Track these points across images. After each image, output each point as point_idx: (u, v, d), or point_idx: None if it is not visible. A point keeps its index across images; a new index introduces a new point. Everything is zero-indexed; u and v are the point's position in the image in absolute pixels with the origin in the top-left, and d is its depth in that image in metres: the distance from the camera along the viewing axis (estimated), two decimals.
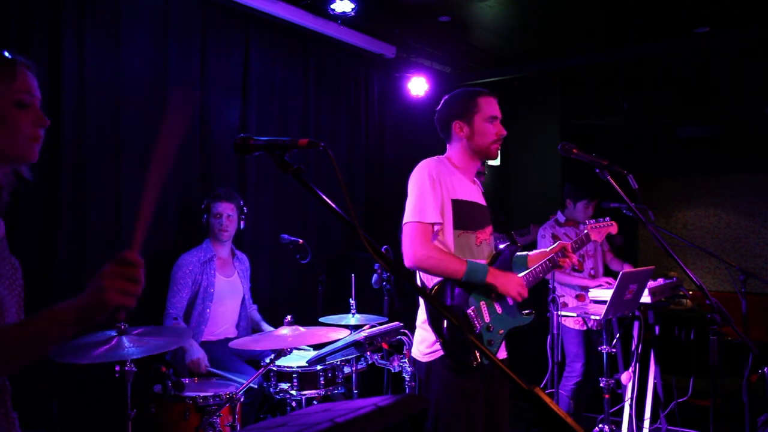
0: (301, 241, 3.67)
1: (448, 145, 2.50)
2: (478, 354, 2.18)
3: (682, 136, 7.49)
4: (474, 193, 2.43)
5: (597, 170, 2.31)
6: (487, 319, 2.28)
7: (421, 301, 2.36)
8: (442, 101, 2.50)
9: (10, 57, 1.34)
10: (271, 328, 3.63)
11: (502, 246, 2.46)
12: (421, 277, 2.36)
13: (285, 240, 3.72)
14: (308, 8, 4.28)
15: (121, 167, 3.43)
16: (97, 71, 3.32)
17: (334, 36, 4.58)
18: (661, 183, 7.97)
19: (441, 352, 2.21)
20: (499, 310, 2.32)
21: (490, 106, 2.40)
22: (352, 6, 4.18)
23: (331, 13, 4.25)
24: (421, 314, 2.35)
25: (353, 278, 3.49)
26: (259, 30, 4.27)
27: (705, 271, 7.46)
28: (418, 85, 5.20)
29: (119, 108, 3.43)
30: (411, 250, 2.24)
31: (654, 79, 6.19)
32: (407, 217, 2.30)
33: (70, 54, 3.21)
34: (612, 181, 2.26)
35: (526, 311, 2.39)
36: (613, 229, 2.90)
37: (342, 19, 4.36)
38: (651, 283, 3.56)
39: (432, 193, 2.28)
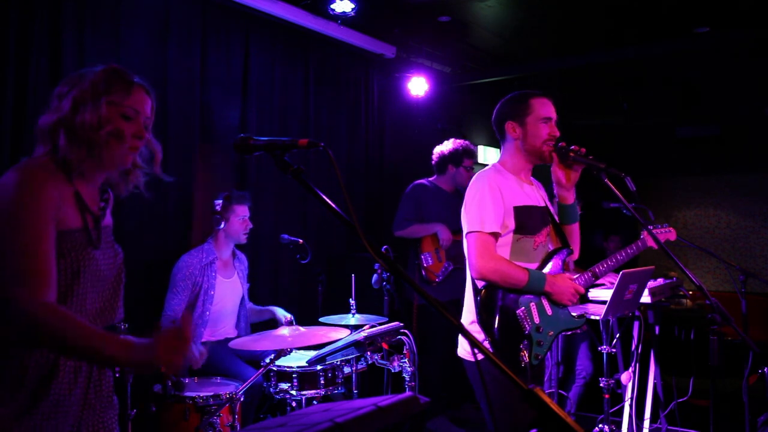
0: (301, 241, 3.67)
1: (502, 147, 2.51)
2: (526, 354, 2.23)
3: (681, 136, 7.50)
4: (532, 196, 2.45)
5: (594, 172, 2.31)
6: (537, 320, 2.31)
7: (468, 302, 2.41)
8: (498, 103, 2.52)
9: (131, 78, 1.61)
10: (276, 308, 3.63)
11: (552, 248, 2.48)
12: (472, 277, 2.40)
13: (285, 240, 3.72)
14: (308, 8, 4.28)
15: None
16: None
17: (334, 36, 4.58)
18: (661, 183, 7.97)
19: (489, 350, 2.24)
20: (549, 311, 2.35)
21: (543, 108, 2.40)
22: (352, 6, 4.18)
23: (331, 13, 4.25)
24: (468, 315, 2.39)
25: (353, 278, 3.49)
26: (259, 30, 4.27)
27: (705, 271, 7.46)
28: (418, 85, 5.20)
29: None
30: (476, 262, 2.28)
31: (654, 79, 6.19)
32: (468, 227, 2.34)
33: (70, 54, 3.21)
34: (609, 184, 2.26)
35: (578, 314, 2.41)
36: (672, 235, 2.93)
37: (342, 19, 4.35)
38: (651, 283, 3.56)
39: (492, 202, 2.31)
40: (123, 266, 1.69)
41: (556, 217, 2.54)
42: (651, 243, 2.78)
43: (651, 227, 2.91)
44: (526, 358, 2.24)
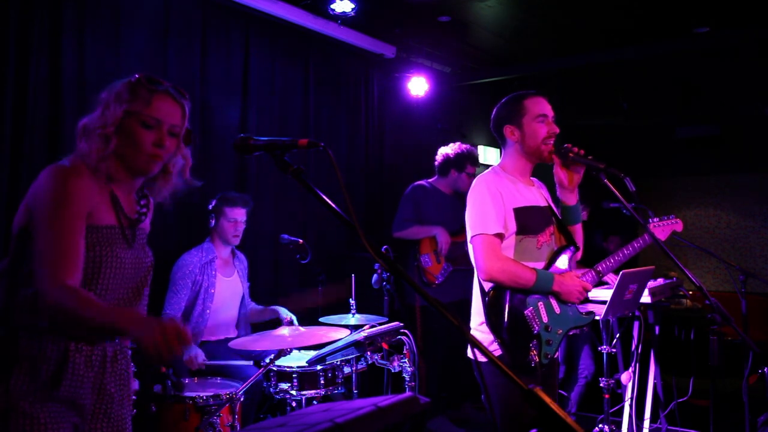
0: (301, 241, 3.67)
1: (502, 151, 2.51)
2: (535, 353, 2.24)
3: (681, 136, 7.50)
4: (534, 197, 2.45)
5: (593, 173, 2.31)
6: (545, 319, 2.31)
7: (476, 305, 2.41)
8: (495, 108, 2.51)
9: (155, 87, 1.63)
10: (279, 307, 3.61)
11: (556, 247, 2.47)
12: (478, 278, 2.39)
13: (285, 240, 3.72)
14: (308, 8, 4.28)
15: None
16: (97, 71, 3.31)
17: (334, 36, 4.58)
18: (661, 183, 7.97)
19: (498, 352, 2.25)
20: (557, 310, 2.35)
21: (536, 106, 2.39)
22: (352, 6, 4.18)
23: (331, 13, 4.25)
24: (476, 317, 2.39)
25: (353, 278, 3.48)
26: (259, 30, 4.27)
27: (705, 271, 7.46)
28: (418, 85, 5.20)
29: None
30: (483, 264, 2.29)
31: (654, 79, 6.19)
32: (472, 231, 2.35)
33: (70, 54, 3.21)
34: (609, 184, 2.26)
35: (586, 311, 2.42)
36: (679, 226, 2.91)
37: (342, 19, 4.35)
38: (651, 283, 3.55)
39: (492, 204, 2.32)
40: (151, 268, 1.75)
41: (560, 217, 2.54)
42: (657, 235, 2.78)
43: (657, 220, 2.90)
44: (536, 358, 2.24)
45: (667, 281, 3.80)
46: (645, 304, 3.57)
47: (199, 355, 3.20)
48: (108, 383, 1.66)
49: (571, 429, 0.94)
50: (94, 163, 1.60)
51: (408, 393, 1.18)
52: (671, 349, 4.91)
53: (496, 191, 2.34)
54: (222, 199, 3.51)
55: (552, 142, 2.39)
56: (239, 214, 3.51)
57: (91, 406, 1.62)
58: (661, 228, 2.88)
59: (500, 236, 2.32)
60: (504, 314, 2.28)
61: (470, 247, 2.37)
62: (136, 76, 1.66)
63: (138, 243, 1.72)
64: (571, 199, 2.47)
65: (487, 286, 2.34)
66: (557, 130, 2.40)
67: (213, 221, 3.51)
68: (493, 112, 2.50)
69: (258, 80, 4.25)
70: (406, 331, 2.94)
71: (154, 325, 1.36)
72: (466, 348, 2.46)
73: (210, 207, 3.52)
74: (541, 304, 2.32)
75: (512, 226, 2.34)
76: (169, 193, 1.78)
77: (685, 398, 4.02)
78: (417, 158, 5.47)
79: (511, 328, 2.26)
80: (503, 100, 2.49)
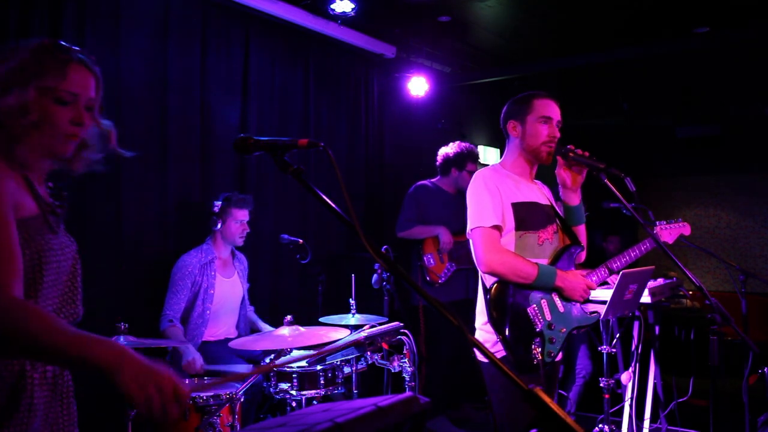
0: (301, 241, 3.67)
1: (506, 146, 2.52)
2: (538, 351, 2.22)
3: (681, 136, 7.50)
4: (534, 193, 2.44)
5: (594, 173, 2.31)
6: (548, 317, 2.30)
7: (480, 303, 2.40)
8: (507, 102, 2.53)
9: (69, 56, 1.43)
10: (269, 327, 3.62)
11: (561, 246, 2.47)
12: (481, 275, 2.38)
13: (285, 240, 3.72)
14: (308, 8, 4.28)
15: (121, 167, 3.43)
16: None
17: (334, 36, 4.58)
18: (661, 183, 7.96)
19: (502, 353, 2.24)
20: (561, 308, 2.34)
21: (543, 107, 2.40)
22: (352, 6, 4.18)
23: (331, 13, 4.26)
24: (481, 316, 2.39)
25: (353, 278, 3.49)
26: (259, 30, 4.27)
27: (705, 271, 7.46)
28: (418, 85, 5.20)
29: (119, 108, 3.42)
30: (482, 256, 2.28)
31: (654, 79, 6.19)
32: (471, 224, 2.35)
33: None
34: (609, 184, 2.26)
35: (591, 311, 2.41)
36: (686, 230, 2.91)
37: (342, 19, 4.36)
38: (651, 283, 3.55)
39: (490, 197, 2.32)
40: (78, 257, 1.53)
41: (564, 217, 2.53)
42: (665, 238, 2.77)
43: (664, 222, 2.90)
44: (539, 356, 2.23)
45: (667, 281, 3.80)
46: (645, 304, 3.57)
47: (197, 360, 3.19)
48: (55, 406, 1.43)
49: (571, 429, 0.94)
50: (13, 152, 1.37)
51: (408, 393, 1.18)
52: (671, 349, 4.91)
53: (493, 186, 2.34)
54: (228, 200, 3.51)
55: (552, 145, 2.39)
56: (246, 215, 3.53)
57: (40, 427, 1.39)
58: (669, 231, 2.88)
59: (498, 228, 2.32)
60: (506, 311, 2.26)
61: (470, 241, 2.37)
62: (43, 41, 1.42)
63: (61, 229, 1.49)
64: (574, 199, 2.47)
65: (489, 282, 2.33)
66: (558, 135, 2.40)
67: (219, 223, 3.50)
68: (505, 107, 2.51)
69: (258, 80, 4.25)
70: (406, 331, 2.94)
71: (149, 376, 1.13)
72: (472, 348, 2.46)
73: (216, 209, 3.50)
74: (544, 302, 2.31)
75: (510, 221, 2.33)
76: (87, 165, 1.53)
77: (685, 398, 4.02)
78: (417, 158, 5.47)
79: (513, 325, 2.24)
80: (516, 96, 2.49)
